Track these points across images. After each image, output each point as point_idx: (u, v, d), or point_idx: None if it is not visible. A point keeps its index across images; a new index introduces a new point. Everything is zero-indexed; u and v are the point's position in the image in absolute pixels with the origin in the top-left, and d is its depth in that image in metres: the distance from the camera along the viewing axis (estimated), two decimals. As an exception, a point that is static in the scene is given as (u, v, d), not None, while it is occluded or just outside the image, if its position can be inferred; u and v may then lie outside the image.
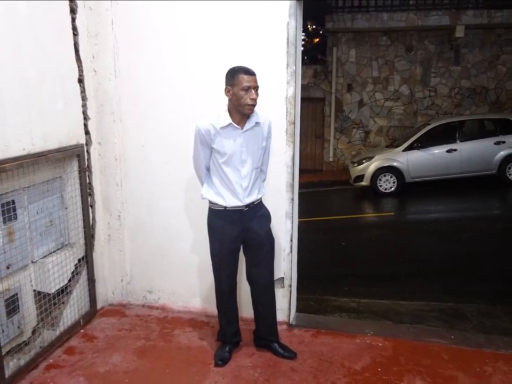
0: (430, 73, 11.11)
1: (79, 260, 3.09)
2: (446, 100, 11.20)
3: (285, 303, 3.10)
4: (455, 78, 11.05)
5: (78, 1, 2.94)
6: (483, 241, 5.84)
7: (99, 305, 3.36)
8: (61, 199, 2.97)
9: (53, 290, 2.84)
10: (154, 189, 3.22)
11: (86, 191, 3.11)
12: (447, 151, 8.91)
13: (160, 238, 3.29)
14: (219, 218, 2.60)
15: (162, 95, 3.07)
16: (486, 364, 2.65)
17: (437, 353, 2.77)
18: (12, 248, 2.54)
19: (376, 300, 3.95)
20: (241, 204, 2.55)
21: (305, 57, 12.08)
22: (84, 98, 3.07)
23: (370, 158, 9.30)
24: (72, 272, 3.05)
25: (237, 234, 2.60)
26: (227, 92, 2.45)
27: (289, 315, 3.13)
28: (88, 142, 3.15)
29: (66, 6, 2.87)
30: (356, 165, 9.48)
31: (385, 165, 9.03)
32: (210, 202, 2.63)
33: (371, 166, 9.09)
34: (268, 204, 2.77)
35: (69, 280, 3.02)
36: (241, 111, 2.44)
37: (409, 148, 9.06)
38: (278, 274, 3.02)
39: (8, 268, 2.52)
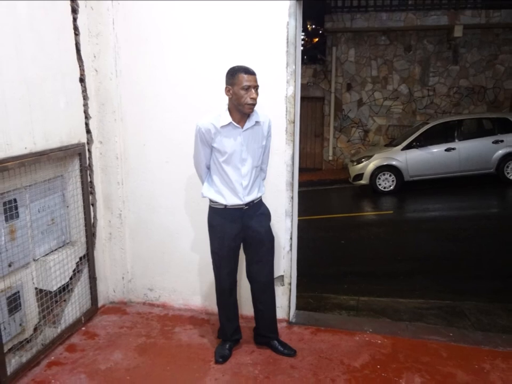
0: (429, 72, 11.14)
1: (80, 258, 3.11)
2: (444, 99, 11.23)
3: (284, 300, 3.12)
4: (454, 78, 11.09)
5: (79, 1, 2.95)
6: (481, 239, 5.86)
7: (100, 303, 3.37)
8: (62, 198, 2.99)
9: (55, 288, 2.85)
10: (155, 187, 3.24)
11: (87, 189, 3.13)
12: (446, 150, 8.94)
13: (160, 236, 3.31)
14: (219, 217, 2.61)
15: (163, 94, 3.08)
16: (484, 361, 2.67)
17: (436, 351, 2.78)
18: (13, 246, 2.55)
19: (375, 298, 3.98)
20: (241, 202, 2.56)
21: (305, 57, 12.12)
22: (85, 97, 3.08)
23: (369, 157, 9.33)
24: (74, 270, 3.06)
25: (237, 232, 2.62)
26: (227, 91, 2.46)
27: (289, 313, 3.15)
28: (90, 141, 3.17)
29: (67, 6, 2.88)
30: (355, 163, 9.51)
31: (384, 163, 9.06)
32: (210, 200, 2.64)
33: (370, 165, 9.12)
34: (267, 202, 2.79)
35: (70, 278, 3.03)
36: (241, 110, 2.46)
37: (408, 146, 9.10)
38: (277, 272, 3.04)
39: (10, 265, 2.54)
